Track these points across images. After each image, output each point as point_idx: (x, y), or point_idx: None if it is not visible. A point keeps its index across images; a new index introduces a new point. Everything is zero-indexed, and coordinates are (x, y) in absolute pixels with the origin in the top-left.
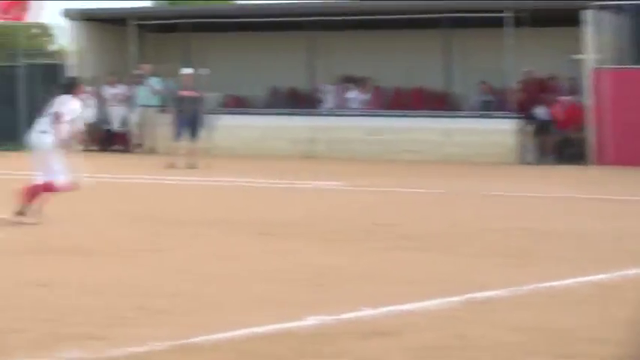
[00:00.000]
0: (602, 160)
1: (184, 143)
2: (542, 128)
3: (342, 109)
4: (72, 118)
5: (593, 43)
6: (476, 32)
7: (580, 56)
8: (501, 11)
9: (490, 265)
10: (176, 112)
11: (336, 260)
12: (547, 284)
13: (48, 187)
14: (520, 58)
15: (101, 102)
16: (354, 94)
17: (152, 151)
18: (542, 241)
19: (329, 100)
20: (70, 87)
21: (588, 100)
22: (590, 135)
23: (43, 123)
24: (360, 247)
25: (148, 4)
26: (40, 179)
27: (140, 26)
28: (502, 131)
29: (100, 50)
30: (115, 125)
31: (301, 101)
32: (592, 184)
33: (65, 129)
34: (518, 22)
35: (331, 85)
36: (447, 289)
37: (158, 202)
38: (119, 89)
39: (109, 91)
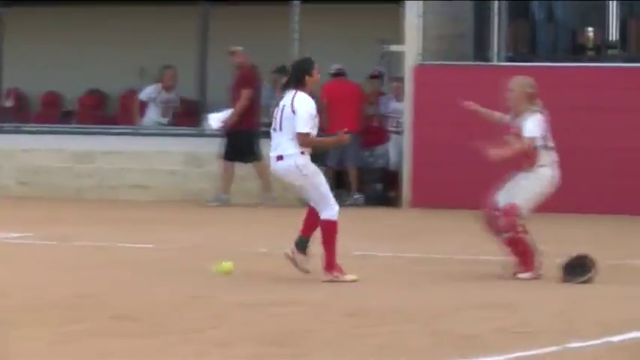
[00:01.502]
0: (417, 202)
1: None
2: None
3: (31, 124)
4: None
5: (416, 30)
6: (242, 10)
7: (397, 47)
8: None
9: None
10: None
11: (18, 352)
12: None
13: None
14: (309, 46)
15: None
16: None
17: None
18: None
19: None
20: (304, 75)
21: (406, 110)
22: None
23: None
24: (54, 332)
25: None
26: None
27: None
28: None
29: None
30: None
31: None
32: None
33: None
34: None
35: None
36: None
37: None
38: None
39: None
